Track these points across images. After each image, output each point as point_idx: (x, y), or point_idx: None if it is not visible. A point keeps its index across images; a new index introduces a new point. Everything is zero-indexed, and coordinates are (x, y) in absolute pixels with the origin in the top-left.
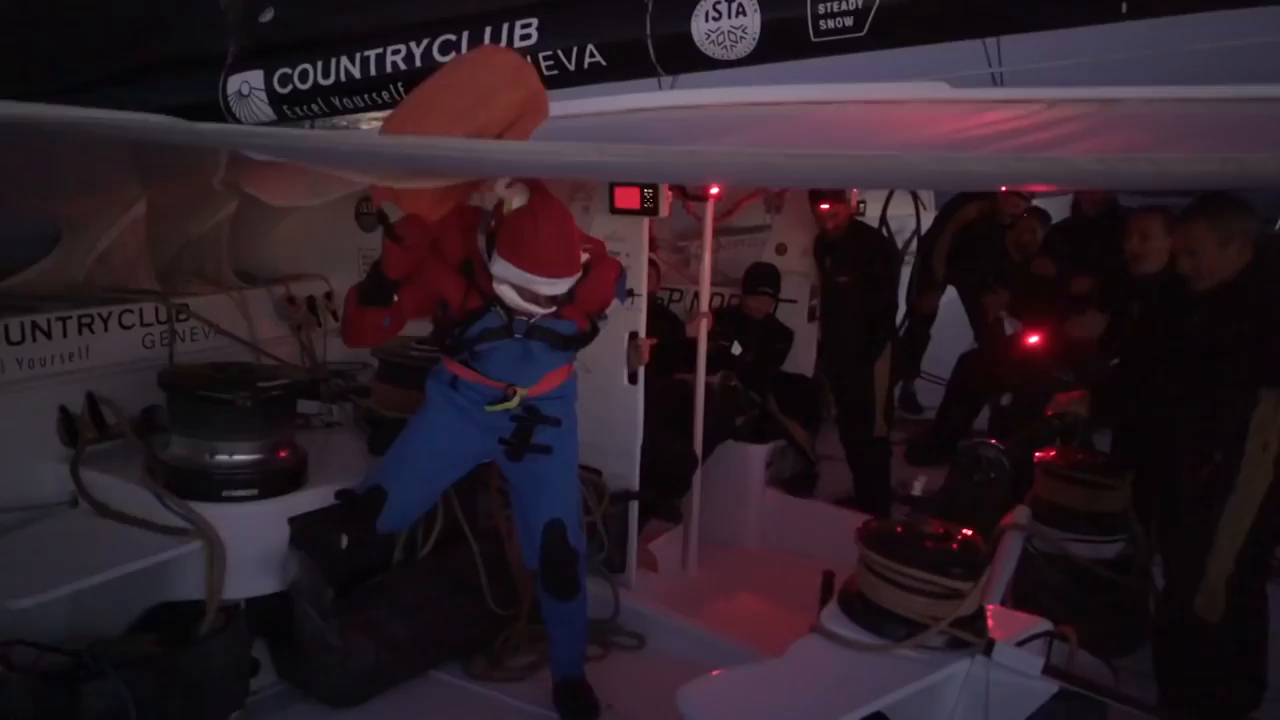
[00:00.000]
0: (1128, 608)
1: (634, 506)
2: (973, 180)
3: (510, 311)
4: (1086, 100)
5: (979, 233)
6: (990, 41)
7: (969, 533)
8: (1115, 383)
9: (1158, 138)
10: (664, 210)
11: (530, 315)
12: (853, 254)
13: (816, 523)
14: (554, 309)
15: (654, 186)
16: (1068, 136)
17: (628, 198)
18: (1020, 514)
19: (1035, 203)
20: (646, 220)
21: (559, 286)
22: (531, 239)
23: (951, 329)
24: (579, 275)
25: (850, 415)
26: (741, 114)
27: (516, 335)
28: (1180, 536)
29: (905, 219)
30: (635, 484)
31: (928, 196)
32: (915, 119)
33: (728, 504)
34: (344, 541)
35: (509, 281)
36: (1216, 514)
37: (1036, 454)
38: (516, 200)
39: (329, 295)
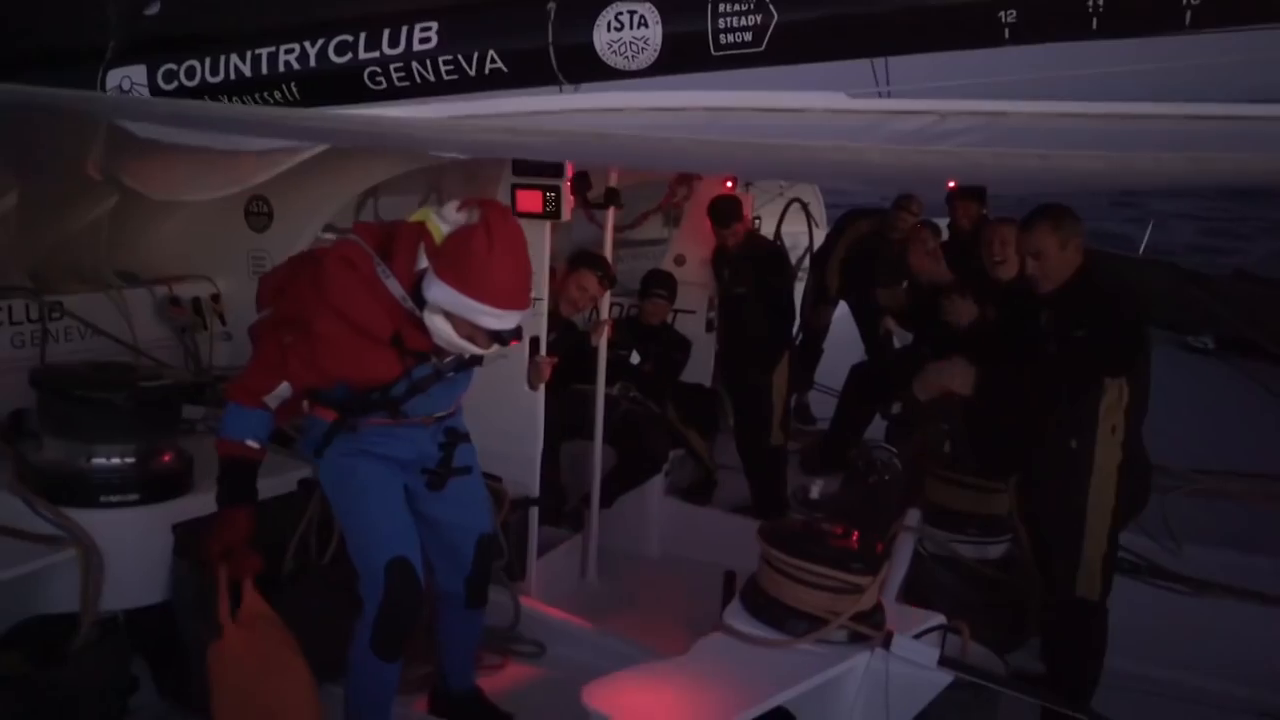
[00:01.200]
0: (1013, 605)
1: (534, 513)
2: (923, 173)
3: (439, 353)
4: (975, 113)
5: (870, 247)
6: (879, 62)
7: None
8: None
9: (1048, 147)
10: (566, 214)
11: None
12: (750, 266)
13: (715, 530)
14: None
15: (556, 190)
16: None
17: (529, 201)
18: (911, 516)
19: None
20: (548, 225)
21: (507, 321)
22: (483, 261)
23: (844, 343)
24: (528, 312)
25: (748, 424)
26: (646, 119)
27: (447, 376)
28: (1053, 522)
29: (798, 235)
30: (535, 490)
31: (820, 213)
32: (817, 127)
33: (627, 512)
34: None
35: (444, 310)
36: (1082, 498)
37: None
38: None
39: (216, 297)
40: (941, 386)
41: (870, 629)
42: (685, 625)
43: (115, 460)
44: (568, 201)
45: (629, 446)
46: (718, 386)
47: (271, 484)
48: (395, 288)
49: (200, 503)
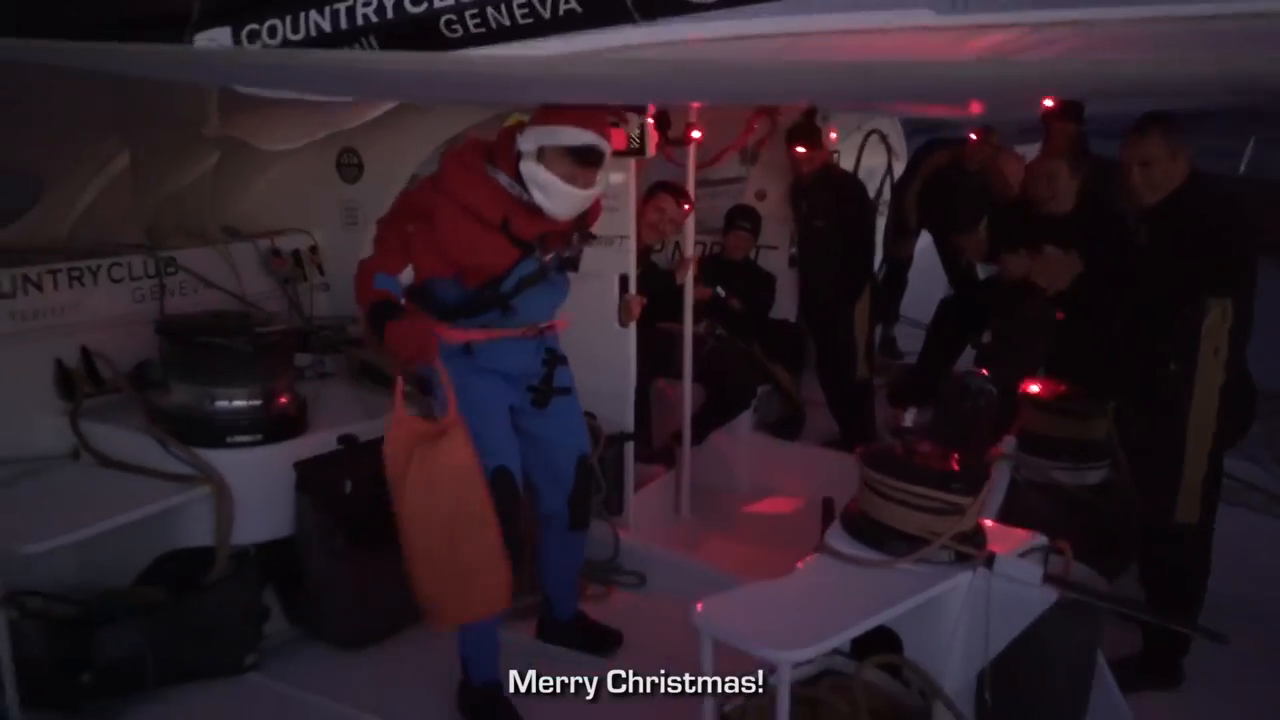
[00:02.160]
0: (1112, 531)
1: (629, 448)
2: (1019, 86)
3: (545, 245)
4: (1068, 22)
5: (948, 178)
6: None
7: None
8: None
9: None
10: (650, 150)
11: (581, 218)
12: (827, 198)
13: (804, 465)
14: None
15: (641, 127)
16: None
17: (614, 139)
18: (1007, 444)
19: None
20: (633, 161)
21: (589, 138)
22: (558, 104)
23: (928, 275)
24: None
25: (831, 358)
26: (725, 48)
27: (551, 276)
28: (1152, 446)
29: (878, 168)
30: (630, 426)
31: (899, 145)
32: (906, 47)
33: (717, 449)
34: (348, 486)
35: (535, 151)
36: (1182, 420)
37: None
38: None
39: (314, 248)
40: (1045, 280)
41: (972, 549)
42: (778, 557)
43: (239, 402)
44: (652, 138)
45: (716, 383)
46: (801, 321)
47: (379, 424)
48: (502, 177)
49: (317, 441)
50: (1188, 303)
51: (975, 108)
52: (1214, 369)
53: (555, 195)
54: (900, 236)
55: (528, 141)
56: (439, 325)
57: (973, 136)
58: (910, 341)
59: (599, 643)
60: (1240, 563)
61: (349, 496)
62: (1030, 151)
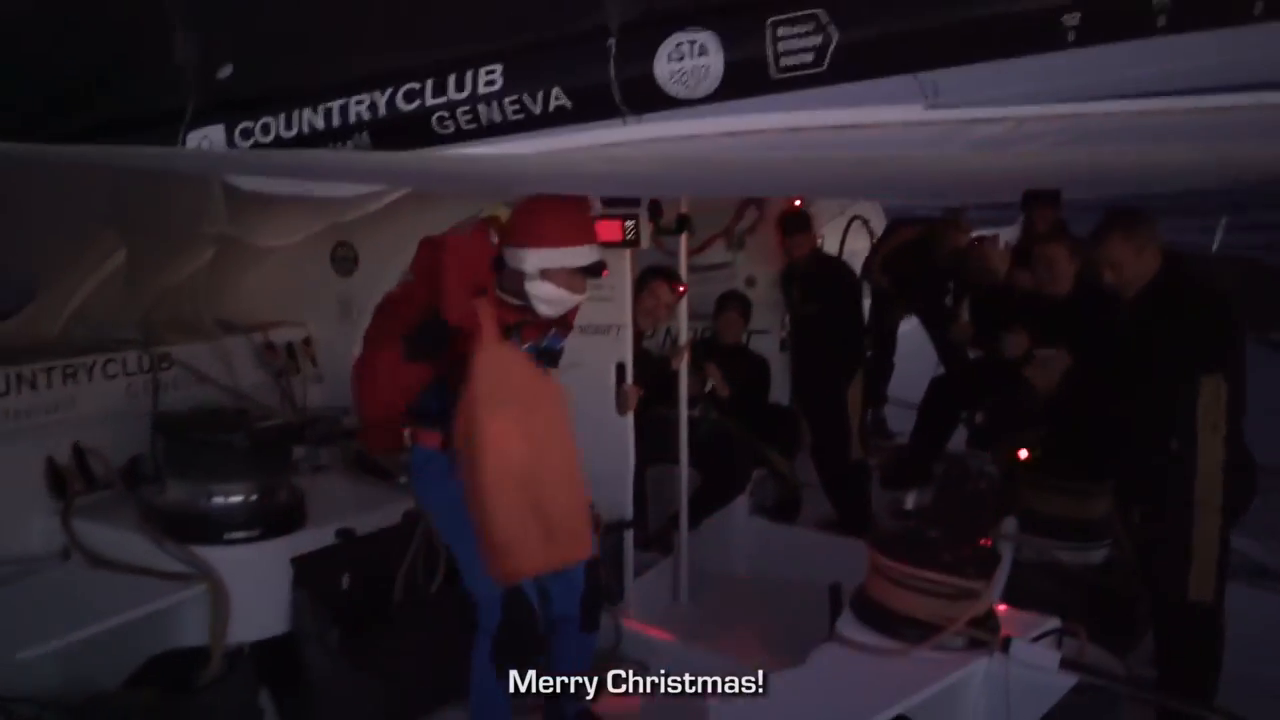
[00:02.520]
0: (1119, 610)
1: (629, 536)
2: (1014, 176)
3: (522, 334)
4: (1053, 116)
5: (915, 254)
6: (925, 76)
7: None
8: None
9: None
10: (645, 241)
11: (561, 315)
12: (818, 284)
13: (803, 549)
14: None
15: (635, 218)
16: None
17: (609, 231)
18: (1007, 524)
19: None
20: (629, 253)
21: (592, 255)
22: (550, 211)
23: (914, 355)
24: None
25: (826, 441)
26: (720, 143)
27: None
28: (1160, 526)
29: (861, 253)
30: (629, 514)
31: (881, 229)
32: (895, 140)
33: (713, 534)
34: (345, 581)
35: (541, 270)
36: (1189, 499)
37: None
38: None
39: (307, 341)
40: (1038, 381)
41: (987, 634)
42: (782, 643)
43: (236, 498)
44: (647, 228)
45: (712, 468)
46: (795, 405)
47: (376, 517)
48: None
49: (314, 536)
50: (1181, 382)
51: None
52: (1214, 446)
53: (557, 303)
54: (881, 308)
55: (529, 263)
56: (421, 432)
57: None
58: (899, 422)
59: None
60: (1249, 640)
61: (346, 592)
62: (1005, 234)
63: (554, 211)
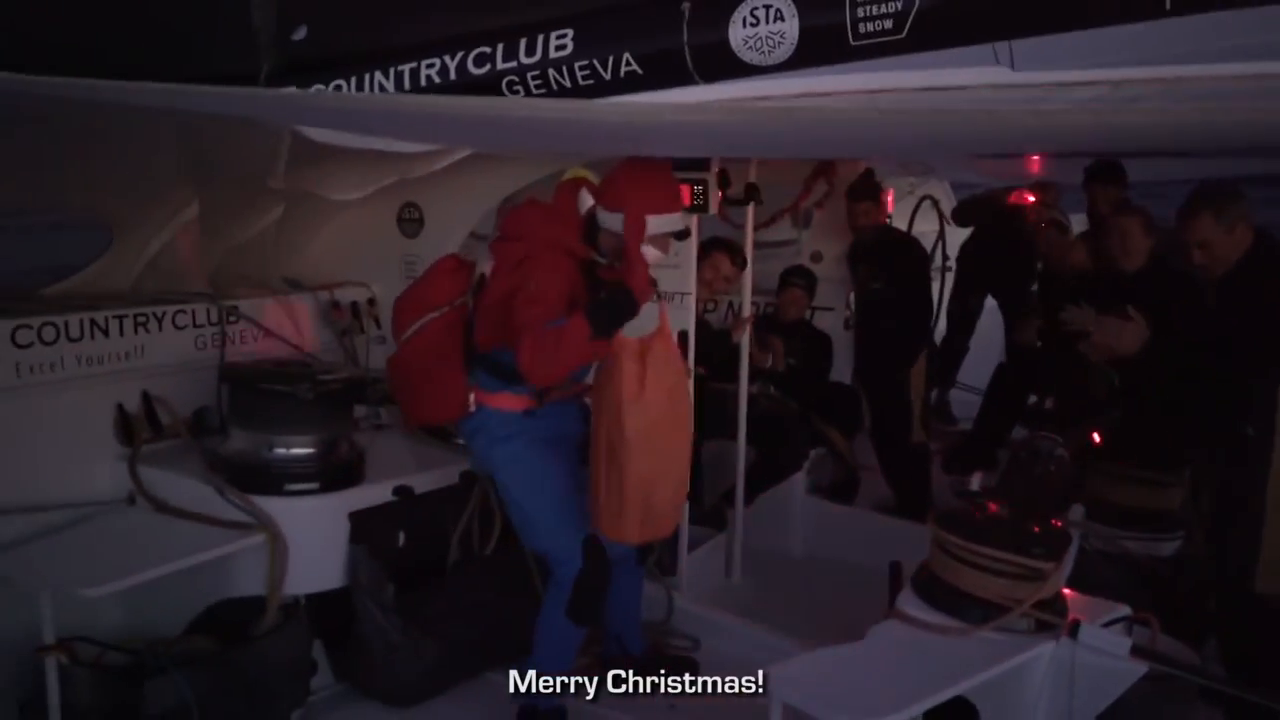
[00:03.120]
0: (1189, 605)
1: (683, 510)
2: (1113, 136)
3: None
4: (1148, 80)
5: (1003, 235)
6: (1001, 45)
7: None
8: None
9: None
10: (714, 207)
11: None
12: (886, 260)
13: (859, 530)
14: None
15: (704, 183)
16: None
17: None
18: (1074, 512)
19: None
20: (695, 218)
21: (685, 221)
22: (652, 178)
23: (991, 341)
24: None
25: (886, 422)
26: (799, 104)
27: None
28: (1231, 517)
29: (928, 233)
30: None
31: (948, 208)
32: (983, 101)
33: (768, 512)
34: (401, 539)
35: (651, 235)
36: (1261, 488)
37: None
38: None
39: (372, 301)
40: (1110, 343)
41: (1055, 617)
42: (836, 623)
43: (298, 450)
44: (715, 195)
45: (769, 444)
46: (857, 385)
47: (434, 477)
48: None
49: (373, 493)
50: (1263, 368)
51: (1034, 167)
52: None
53: (650, 266)
54: (961, 296)
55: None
56: (496, 396)
57: (1030, 198)
58: (966, 408)
59: (678, 670)
60: None
61: (402, 549)
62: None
63: (655, 178)
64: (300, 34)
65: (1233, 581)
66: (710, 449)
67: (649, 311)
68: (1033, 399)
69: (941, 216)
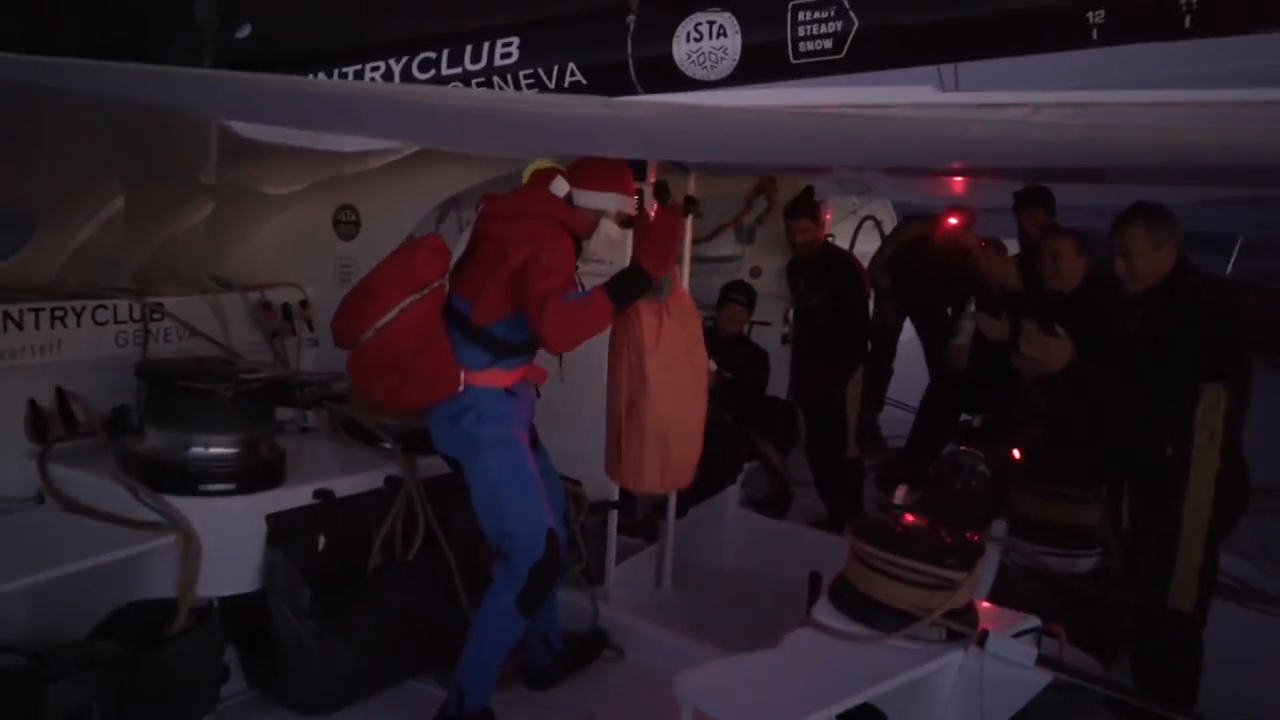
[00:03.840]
0: (1105, 620)
1: (613, 517)
2: (1024, 150)
3: None
4: (1068, 104)
5: (922, 254)
6: (946, 67)
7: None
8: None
9: (1149, 135)
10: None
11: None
12: (825, 276)
13: (791, 544)
14: None
15: (638, 193)
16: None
17: None
18: (996, 527)
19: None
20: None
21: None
22: (617, 163)
23: (914, 361)
24: None
25: (822, 437)
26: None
27: None
28: (1148, 534)
29: (870, 253)
30: (614, 494)
31: (890, 227)
32: (906, 121)
33: (701, 524)
34: (321, 542)
35: (617, 214)
36: (1177, 507)
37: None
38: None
39: (304, 303)
40: (1038, 357)
41: (965, 627)
42: (761, 634)
43: (215, 450)
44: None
45: (703, 456)
46: (793, 400)
47: (357, 481)
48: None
49: (293, 495)
50: (1182, 388)
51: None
52: (1210, 455)
53: (615, 244)
54: (883, 307)
55: (613, 204)
56: (484, 374)
57: (951, 221)
58: (896, 426)
59: (596, 648)
60: (1233, 660)
61: (322, 553)
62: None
63: (618, 163)
64: (244, 32)
65: (1147, 597)
66: None
67: None
68: (965, 417)
69: (883, 235)
